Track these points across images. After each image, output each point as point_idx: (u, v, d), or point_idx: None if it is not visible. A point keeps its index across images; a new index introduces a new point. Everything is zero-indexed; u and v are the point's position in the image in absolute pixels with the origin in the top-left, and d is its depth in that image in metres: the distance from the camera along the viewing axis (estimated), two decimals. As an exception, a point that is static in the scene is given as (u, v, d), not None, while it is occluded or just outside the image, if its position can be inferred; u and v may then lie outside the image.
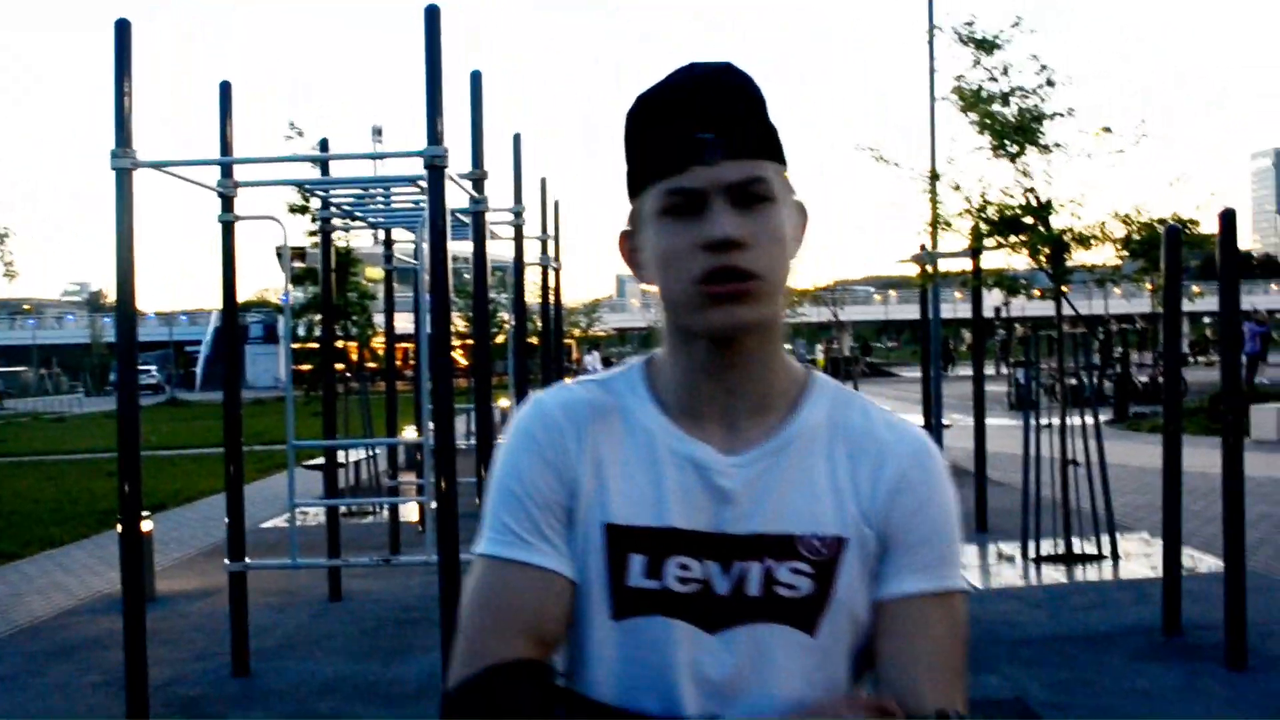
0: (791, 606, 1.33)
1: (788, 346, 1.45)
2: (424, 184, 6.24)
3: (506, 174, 9.60)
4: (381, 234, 10.62)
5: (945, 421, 15.00)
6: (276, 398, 41.41)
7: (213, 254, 7.12)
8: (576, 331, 56.97)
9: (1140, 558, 9.15)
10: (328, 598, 8.98)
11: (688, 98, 1.32)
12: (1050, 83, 9.87)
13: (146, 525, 8.87)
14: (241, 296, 7.58)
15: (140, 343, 6.06)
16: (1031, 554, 9.23)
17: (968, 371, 14.60)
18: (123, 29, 5.86)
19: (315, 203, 9.45)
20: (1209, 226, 10.05)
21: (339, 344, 13.82)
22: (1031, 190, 9.87)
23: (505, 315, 20.31)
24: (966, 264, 12.93)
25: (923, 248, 13.45)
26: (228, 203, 7.00)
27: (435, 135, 5.86)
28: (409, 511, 12.58)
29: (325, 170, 8.84)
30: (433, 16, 5.83)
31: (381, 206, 9.05)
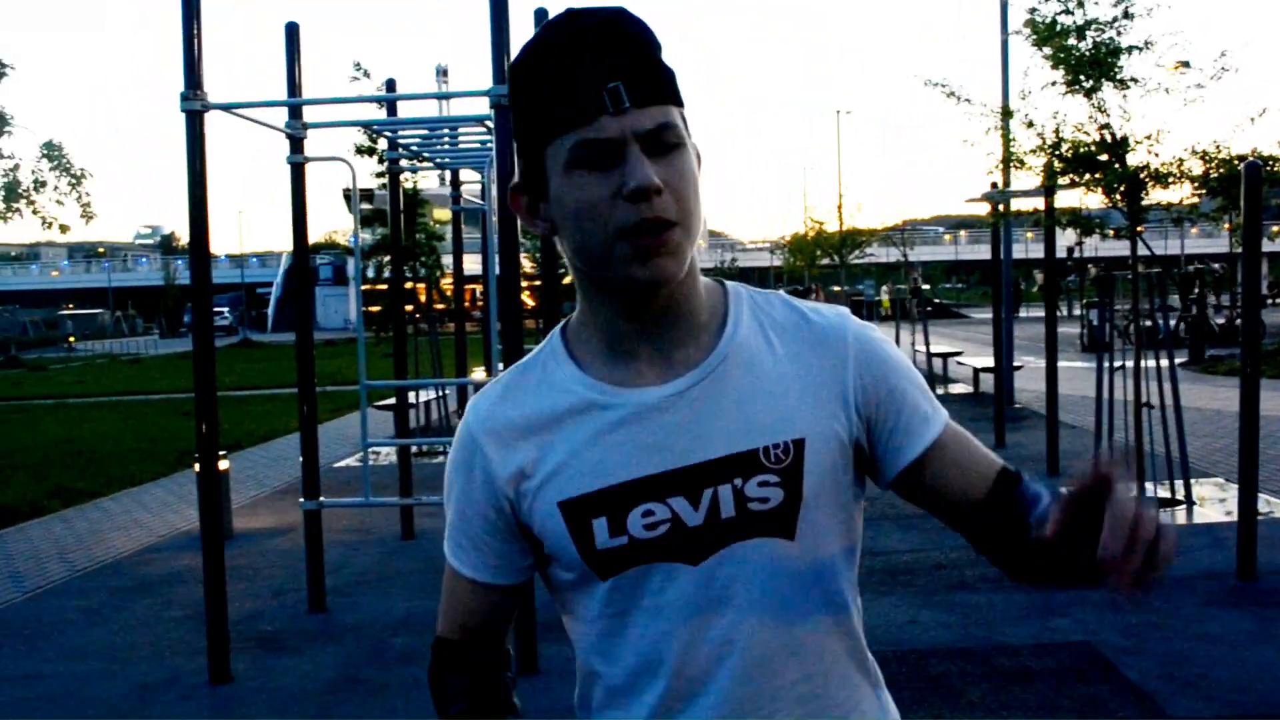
0: (767, 517, 1.35)
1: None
2: (490, 123, 6.25)
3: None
4: (449, 174, 10.64)
5: (1016, 363, 14.86)
6: (346, 339, 41.91)
7: (282, 196, 7.18)
8: (642, 272, 56.64)
9: (1215, 502, 9.03)
10: (400, 536, 9.12)
11: (584, 47, 1.28)
12: (1128, 14, 9.63)
13: (223, 464, 9.04)
14: (311, 239, 7.64)
15: (212, 285, 6.14)
16: (1103, 497, 9.12)
17: (1039, 313, 14.40)
18: (193, -28, 5.88)
19: (382, 144, 9.50)
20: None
21: (408, 285, 13.94)
22: (1107, 127, 9.67)
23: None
24: (1038, 203, 12.73)
25: (994, 186, 13.25)
26: (297, 144, 7.04)
27: (502, 74, 5.85)
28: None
29: (392, 111, 8.87)
30: (499, -45, 5.80)
31: (448, 147, 9.06)
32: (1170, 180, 9.80)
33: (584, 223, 1.30)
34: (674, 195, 1.28)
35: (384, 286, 13.80)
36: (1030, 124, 10.17)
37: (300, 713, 5.50)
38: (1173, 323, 22.25)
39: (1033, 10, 10.03)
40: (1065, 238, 12.93)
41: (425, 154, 9.45)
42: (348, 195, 8.35)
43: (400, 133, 8.65)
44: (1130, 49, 9.64)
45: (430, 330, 14.85)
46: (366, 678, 5.94)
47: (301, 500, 7.21)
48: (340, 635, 6.67)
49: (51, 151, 11.07)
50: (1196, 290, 26.65)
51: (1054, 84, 9.87)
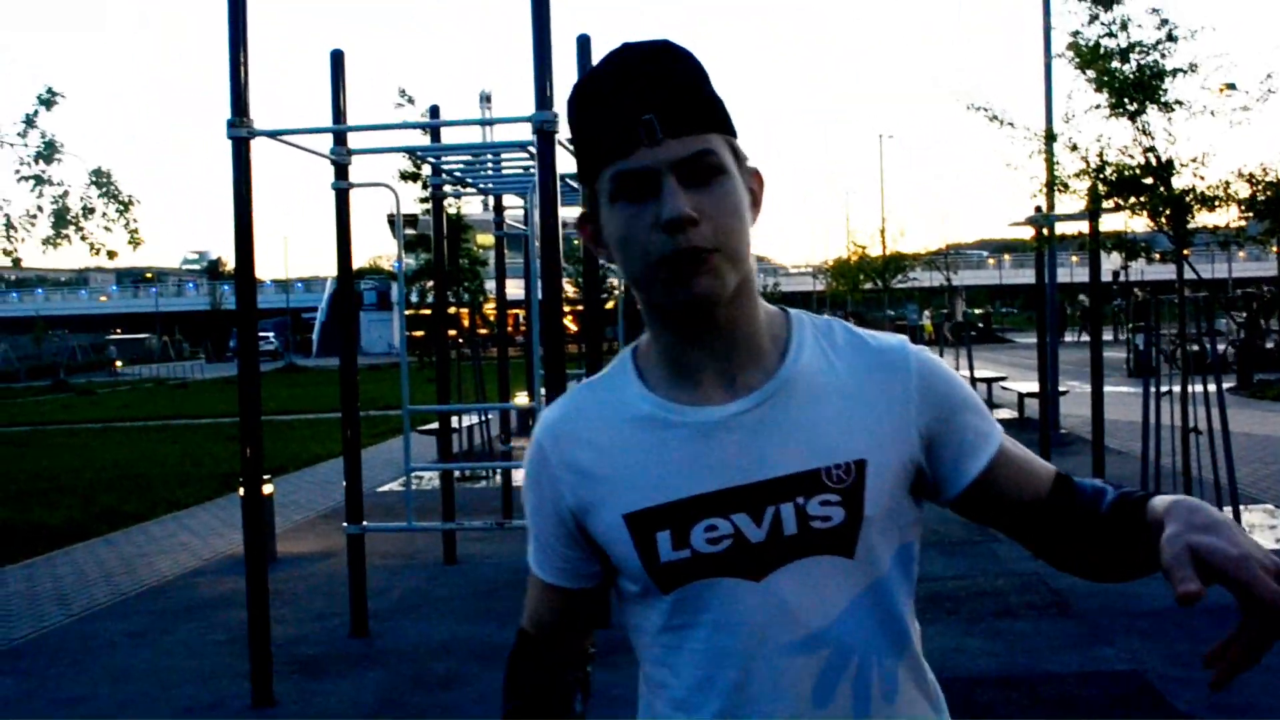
0: (828, 536, 1.38)
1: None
2: (534, 149, 6.28)
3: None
4: (492, 200, 10.70)
5: (1061, 389, 14.73)
6: (390, 363, 42.15)
7: (327, 221, 7.25)
8: (685, 297, 56.70)
9: (1265, 529, 8.90)
10: (442, 560, 9.14)
11: (626, 80, 1.33)
12: (1172, 37, 9.57)
13: (267, 488, 9.10)
14: (355, 264, 7.70)
15: (258, 310, 6.20)
16: (1151, 524, 9.01)
17: (1085, 338, 14.27)
18: (237, 1, 5.96)
19: (426, 169, 9.57)
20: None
21: (451, 310, 14.01)
22: (1151, 149, 9.60)
23: (615, 281, 20.39)
24: (1083, 226, 12.64)
25: (1038, 210, 13.17)
26: (341, 170, 7.11)
27: (544, 100, 5.89)
28: (521, 477, 12.72)
29: (436, 137, 8.94)
30: (541, -17, 5.84)
31: (491, 172, 9.12)
32: (1216, 203, 9.71)
33: (627, 252, 1.35)
34: (712, 223, 1.32)
35: (427, 311, 13.82)
36: (1074, 147, 10.12)
37: (342, 737, 5.52)
38: (1221, 347, 22.00)
39: (1076, 33, 9.99)
40: (1111, 261, 12.81)
41: (469, 179, 9.52)
42: (392, 220, 8.41)
43: (444, 158, 8.72)
44: (1175, 71, 9.58)
45: (473, 355, 14.91)
46: (408, 702, 5.94)
47: (345, 524, 7.24)
48: (382, 660, 6.69)
49: (100, 179, 11.20)
50: (1245, 314, 26.36)
51: (1098, 107, 9.82)
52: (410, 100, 11.55)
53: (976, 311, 66.05)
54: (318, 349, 69.98)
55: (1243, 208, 10.06)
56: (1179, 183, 9.64)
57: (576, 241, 11.64)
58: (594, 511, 1.45)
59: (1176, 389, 9.00)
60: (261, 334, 68.28)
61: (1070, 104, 10.33)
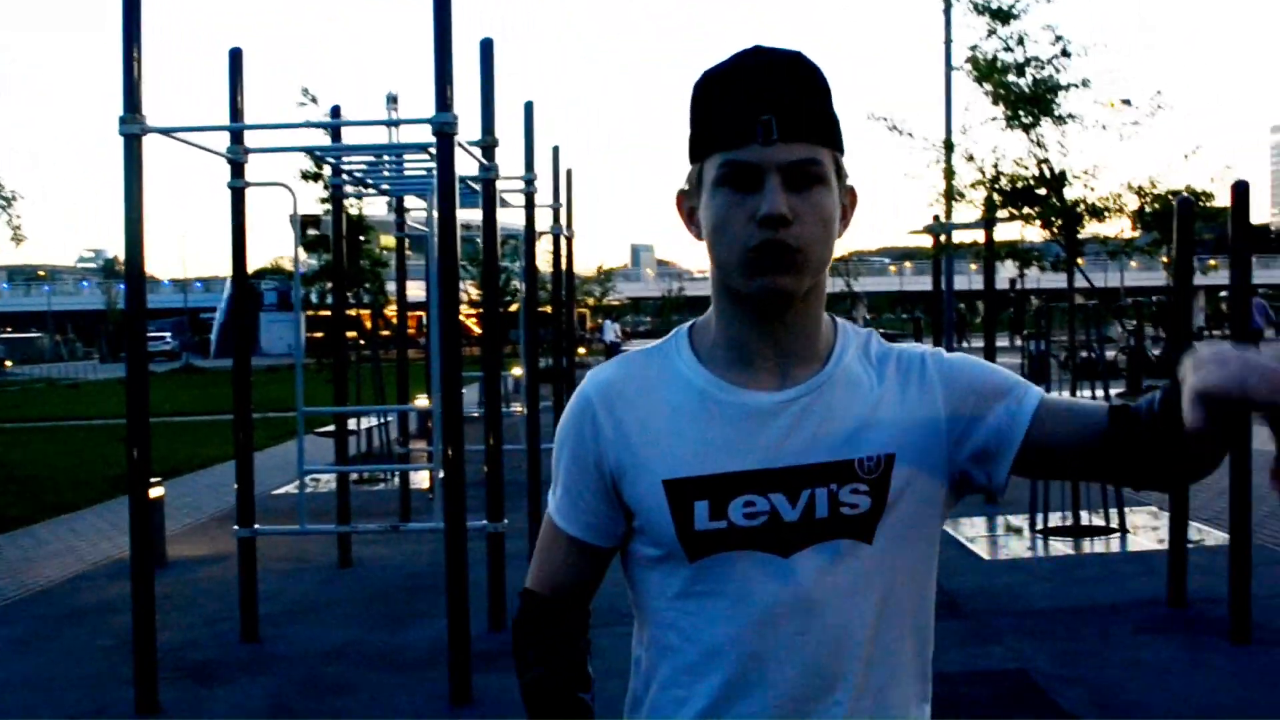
0: (854, 521, 1.48)
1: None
2: (434, 151, 6.24)
3: (519, 142, 9.57)
4: (394, 201, 10.61)
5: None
6: (290, 365, 41.45)
7: (227, 221, 7.13)
8: (591, 300, 56.89)
9: (1148, 530, 9.14)
10: (337, 564, 9.03)
11: (756, 78, 1.42)
12: (1066, 53, 9.82)
13: (156, 491, 8.92)
14: (256, 263, 7.58)
15: (154, 310, 6.10)
16: (1039, 526, 9.23)
17: (980, 343, 14.56)
18: (131, -6, 5.85)
19: (327, 169, 9.46)
20: (1224, 199, 10.01)
21: (351, 311, 13.86)
22: (1045, 161, 9.84)
23: (517, 284, 20.32)
24: (979, 235, 12.89)
25: (936, 219, 13.42)
26: (238, 169, 7.00)
27: (444, 103, 5.85)
28: (420, 479, 12.63)
29: (337, 137, 8.84)
30: (440, -16, 5.81)
31: (393, 173, 9.04)
32: (1106, 214, 9.98)
33: (721, 236, 1.45)
34: (803, 226, 1.42)
35: (327, 313, 13.68)
36: (971, 158, 10.33)
37: (230, 743, 5.43)
38: (1111, 354, 22.53)
39: (974, 47, 10.21)
40: (1007, 269, 13.09)
41: (370, 180, 9.43)
42: (292, 220, 8.30)
43: (344, 159, 8.63)
44: (1068, 86, 9.83)
45: (373, 357, 14.76)
46: (298, 708, 5.87)
47: (236, 527, 7.13)
48: (273, 665, 6.59)
49: (-18, 174, 10.87)
50: (1134, 322, 27.07)
51: (994, 119, 10.04)
52: (314, 99, 11.40)
53: (868, 317, 66.84)
54: (216, 350, 68.78)
55: (1133, 219, 10.34)
56: (1071, 194, 9.90)
57: (479, 243, 11.62)
58: (631, 473, 1.52)
59: (1067, 394, 9.21)
60: (158, 334, 67.58)
61: (968, 116, 10.55)
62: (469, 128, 7.00)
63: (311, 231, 15.34)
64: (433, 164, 7.44)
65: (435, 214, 6.26)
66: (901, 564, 1.52)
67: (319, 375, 13.78)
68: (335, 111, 9.96)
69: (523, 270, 10.26)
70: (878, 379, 1.53)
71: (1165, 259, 13.09)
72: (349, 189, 9.51)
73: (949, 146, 11.03)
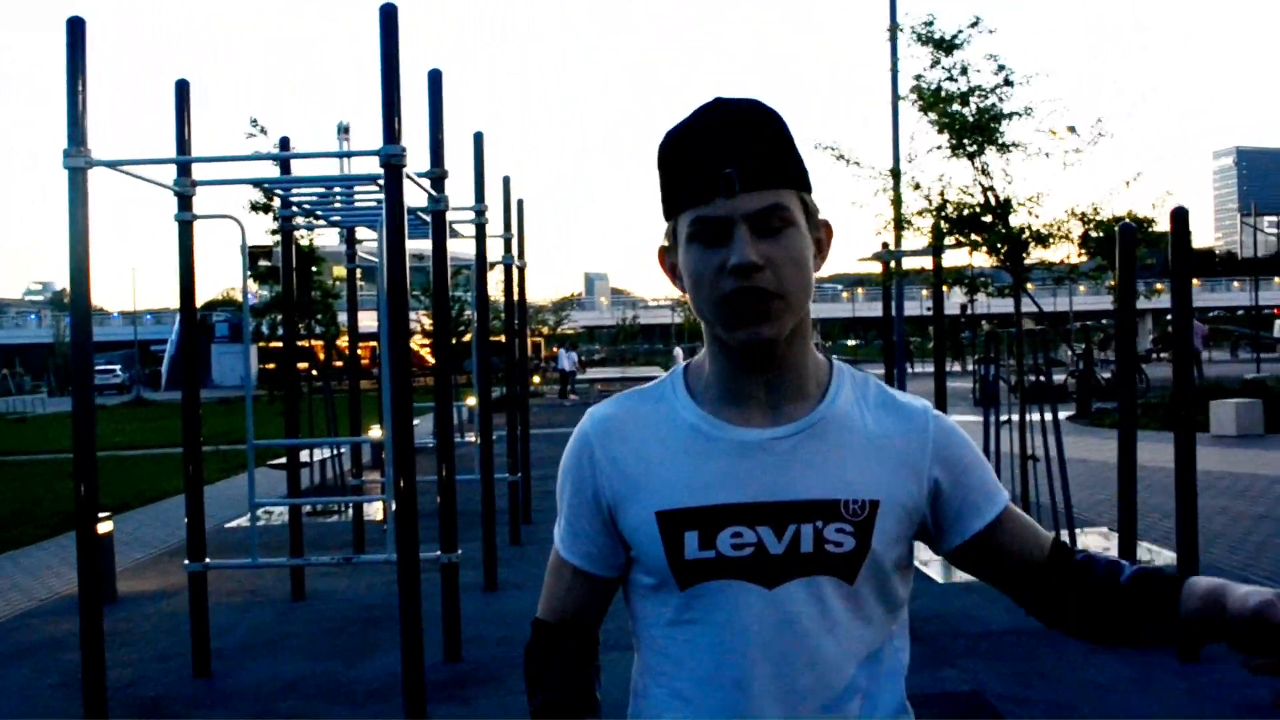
0: (837, 560, 1.52)
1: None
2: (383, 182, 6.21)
3: (469, 173, 9.57)
4: (345, 233, 10.56)
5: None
6: (241, 396, 41.07)
7: (175, 253, 7.06)
8: (545, 330, 56.79)
9: (1099, 552, 9.21)
10: (290, 597, 8.94)
11: (715, 133, 1.48)
12: (1009, 82, 9.95)
13: (106, 526, 8.80)
14: (208, 295, 7.53)
15: (104, 342, 6.06)
16: (991, 549, 9.27)
17: (931, 368, 14.66)
18: (76, 26, 5.81)
19: (277, 201, 9.41)
20: (1166, 225, 10.16)
21: (303, 343, 13.77)
22: (990, 189, 9.95)
23: (469, 313, 20.27)
24: (927, 262, 13.00)
25: (884, 246, 13.52)
26: (185, 202, 6.95)
27: (392, 135, 5.83)
28: (374, 510, 12.54)
29: (286, 169, 8.80)
30: (389, 16, 5.81)
31: (343, 205, 9.00)
32: (1051, 240, 10.09)
33: (699, 290, 1.50)
34: (775, 271, 1.46)
35: (279, 345, 13.60)
36: (917, 186, 10.42)
37: (181, 782, 5.35)
38: (1060, 377, 22.77)
39: (919, 77, 10.31)
40: (959, 295, 13.21)
41: (319, 212, 9.38)
42: (242, 251, 8.24)
43: (294, 191, 8.58)
44: (1011, 115, 9.95)
45: (324, 388, 14.66)
46: (251, 744, 5.79)
47: (186, 561, 7.04)
48: (225, 701, 6.50)
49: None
50: (1082, 345, 27.36)
51: (940, 148, 10.14)
52: (263, 131, 11.35)
53: (826, 343, 67.24)
54: (167, 382, 68.10)
55: (1077, 244, 10.46)
56: (1016, 221, 10.00)
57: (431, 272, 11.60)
58: (627, 505, 1.58)
59: (1016, 418, 9.30)
60: (107, 367, 66.78)
61: (914, 144, 10.66)
62: (419, 159, 7.00)
63: (262, 263, 15.24)
64: (383, 195, 7.43)
65: (385, 245, 6.23)
66: (881, 604, 1.57)
67: (271, 407, 13.69)
68: (284, 143, 9.92)
69: (475, 300, 10.24)
70: (874, 426, 1.58)
71: (1112, 283, 13.27)
72: (299, 220, 9.46)
73: (896, 175, 11.12)
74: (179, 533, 12.11)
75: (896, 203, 11.10)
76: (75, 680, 6.31)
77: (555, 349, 53.76)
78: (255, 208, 12.29)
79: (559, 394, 42.94)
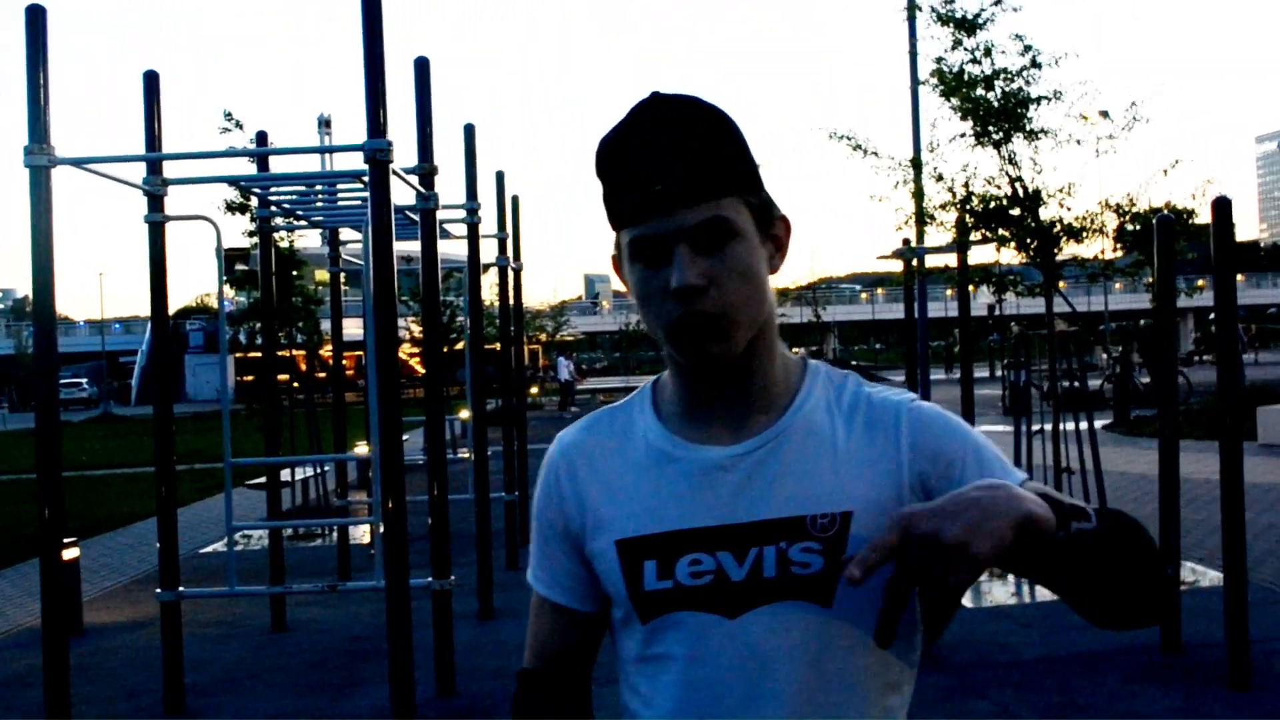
0: (806, 583, 1.47)
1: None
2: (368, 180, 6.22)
3: (460, 168, 9.56)
4: (328, 233, 10.58)
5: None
6: (218, 412, 41.06)
7: (145, 257, 7.07)
8: (543, 336, 56.78)
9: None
10: (270, 628, 8.94)
11: (646, 143, 1.44)
12: (1036, 64, 9.91)
13: (72, 552, 8.80)
14: (181, 301, 7.53)
15: (70, 353, 6.07)
16: (1025, 569, 9.24)
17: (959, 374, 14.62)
18: (36, 15, 5.81)
19: (254, 201, 9.42)
20: (1208, 216, 10.13)
21: (284, 353, 13.76)
22: (1018, 180, 9.91)
23: (462, 319, 20.27)
24: (952, 259, 12.96)
25: (905, 242, 13.49)
26: (156, 202, 6.95)
27: (377, 128, 5.83)
28: (360, 533, 12.53)
29: (264, 166, 8.80)
30: (371, 1, 5.81)
31: (325, 203, 9.01)
32: (1084, 234, 10.04)
33: (645, 310, 1.49)
34: (720, 290, 1.43)
35: (258, 355, 13.61)
36: (940, 177, 10.38)
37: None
38: (1096, 383, 22.72)
39: (940, 60, 10.28)
40: (986, 295, 13.18)
41: (300, 212, 9.39)
42: (217, 255, 8.26)
43: (272, 189, 8.58)
44: (1039, 99, 9.91)
45: (308, 401, 14.66)
46: (230, 786, 5.79)
47: (158, 590, 7.04)
48: (201, 739, 6.50)
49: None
50: (1119, 348, 27.29)
51: (963, 136, 10.11)
52: (238, 125, 11.34)
53: (838, 348, 67.19)
54: (137, 396, 68.19)
55: (1112, 238, 10.42)
56: (1046, 214, 9.95)
57: (420, 275, 11.60)
58: (592, 534, 1.58)
59: (1050, 427, 9.27)
60: (74, 380, 66.91)
61: (935, 132, 10.62)
62: (406, 154, 6.99)
63: (239, 267, 15.26)
64: (367, 193, 7.43)
65: (370, 247, 6.23)
66: (868, 629, 1.45)
67: (250, 422, 13.68)
68: (261, 138, 9.91)
69: (467, 305, 10.23)
70: (844, 429, 1.53)
71: (1148, 281, 13.24)
72: (278, 221, 9.48)
73: (917, 165, 11.09)
74: (151, 559, 12.12)
75: (918, 196, 11.08)
76: (39, 719, 6.30)
77: (554, 357, 53.80)
78: (231, 208, 12.31)
79: (559, 406, 42.98)
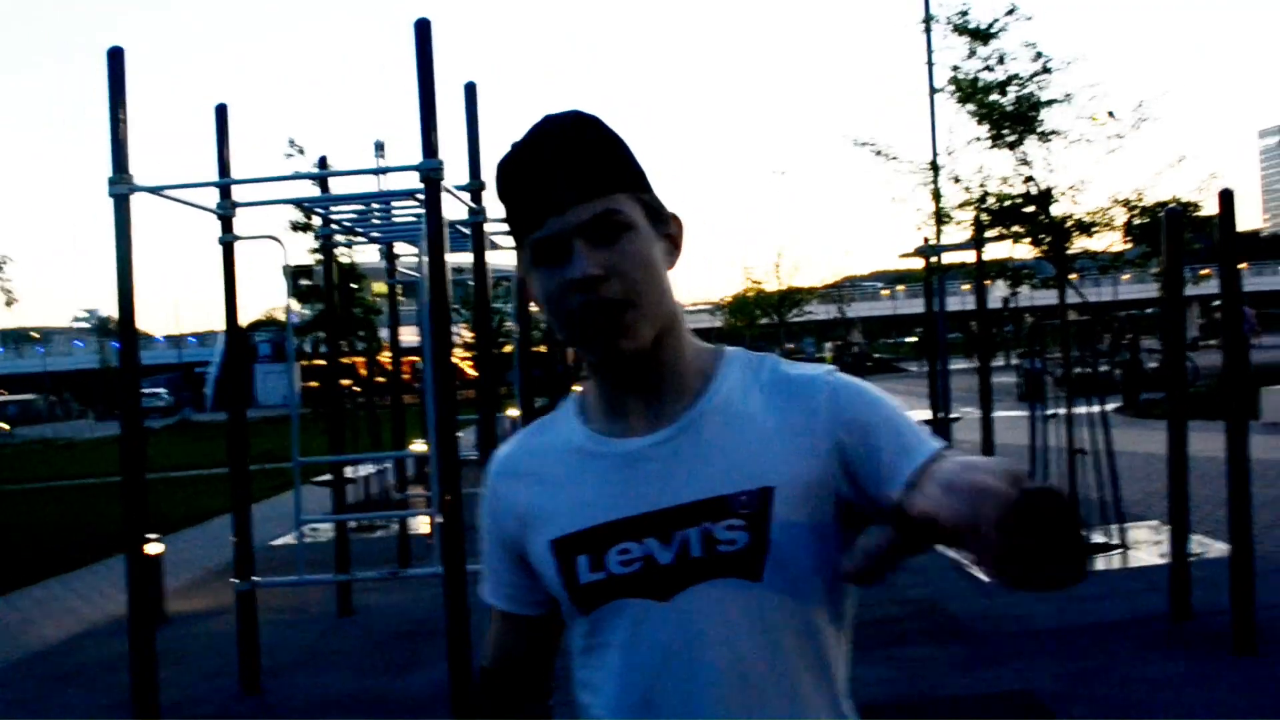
0: (733, 559, 1.42)
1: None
2: (423, 197, 6.28)
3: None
4: (385, 249, 10.66)
5: (954, 415, 15.00)
6: (286, 415, 41.33)
7: (219, 275, 7.15)
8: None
9: (1149, 545, 9.13)
10: (337, 613, 9.03)
11: (535, 155, 1.43)
12: (1047, 69, 9.85)
13: (155, 547, 8.91)
14: (250, 315, 7.63)
15: (149, 366, 6.14)
16: (1041, 545, 9.18)
17: (976, 364, 14.56)
18: (116, 57, 5.91)
19: (317, 220, 9.51)
20: (1212, 208, 10.04)
21: (346, 360, 13.87)
22: (1031, 179, 9.86)
23: (511, 325, 20.34)
24: (970, 256, 12.91)
25: (925, 241, 13.45)
26: (227, 224, 7.04)
27: (430, 149, 5.89)
28: (419, 524, 12.61)
29: (325, 187, 8.88)
30: (423, 30, 5.87)
31: (382, 221, 9.08)
32: (1095, 228, 9.99)
33: (551, 311, 1.46)
34: (620, 278, 1.41)
35: (322, 362, 13.76)
36: (957, 179, 10.35)
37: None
38: (1106, 368, 22.51)
39: (956, 68, 10.25)
40: (1000, 289, 13.12)
41: (359, 229, 9.47)
42: (284, 271, 8.38)
43: (333, 209, 8.66)
44: (1050, 102, 9.86)
45: (368, 405, 14.77)
46: (304, 760, 5.85)
47: (234, 580, 7.12)
48: (274, 717, 6.58)
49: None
50: (1128, 335, 27.03)
51: (978, 139, 10.07)
52: (300, 151, 11.53)
53: (863, 342, 66.74)
54: (212, 403, 68.66)
55: (1123, 233, 10.35)
56: (1058, 210, 9.90)
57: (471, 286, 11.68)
58: (529, 540, 1.55)
59: (1064, 411, 9.22)
60: (153, 390, 67.42)
61: (952, 137, 10.58)
62: (456, 172, 7.04)
63: (303, 282, 15.41)
64: (421, 210, 7.49)
65: (425, 260, 6.28)
66: (800, 599, 1.45)
67: (315, 425, 13.80)
68: (323, 162, 10.02)
69: (515, 312, 10.28)
70: (763, 408, 1.48)
71: (1156, 271, 13.11)
72: (339, 238, 9.57)
73: (935, 168, 11.08)
74: (227, 551, 12.21)
75: (936, 196, 11.06)
76: (127, 701, 6.40)
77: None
78: (296, 227, 12.46)
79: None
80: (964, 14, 10.11)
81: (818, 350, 57.51)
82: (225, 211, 7.00)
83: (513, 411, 15.59)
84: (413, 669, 7.30)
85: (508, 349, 21.91)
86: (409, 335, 15.02)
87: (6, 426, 58.12)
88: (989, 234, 10.78)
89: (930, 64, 14.55)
